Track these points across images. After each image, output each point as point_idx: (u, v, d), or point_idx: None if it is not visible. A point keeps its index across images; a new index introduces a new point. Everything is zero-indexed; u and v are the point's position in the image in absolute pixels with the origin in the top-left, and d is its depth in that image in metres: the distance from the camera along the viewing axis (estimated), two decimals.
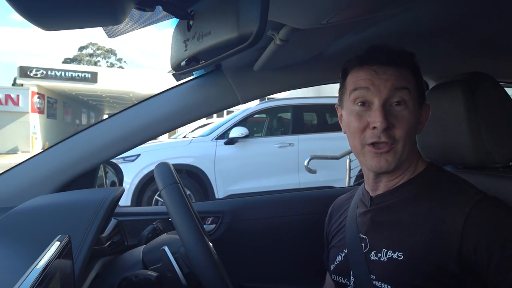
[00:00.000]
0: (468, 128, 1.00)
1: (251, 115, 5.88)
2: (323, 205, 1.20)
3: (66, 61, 45.61)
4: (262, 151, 5.61)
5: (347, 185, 4.69)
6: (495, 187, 0.94)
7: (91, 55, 49.24)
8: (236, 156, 5.53)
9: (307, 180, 5.33)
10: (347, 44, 1.11)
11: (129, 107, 1.28)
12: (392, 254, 0.84)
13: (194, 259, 0.84)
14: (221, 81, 1.28)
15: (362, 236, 0.92)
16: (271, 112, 6.17)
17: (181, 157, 5.36)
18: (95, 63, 47.11)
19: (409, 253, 0.81)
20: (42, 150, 1.34)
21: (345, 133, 0.95)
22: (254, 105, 5.99)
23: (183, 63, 0.87)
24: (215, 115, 7.85)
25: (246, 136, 5.51)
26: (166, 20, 0.90)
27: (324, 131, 5.76)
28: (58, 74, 21.82)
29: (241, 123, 5.69)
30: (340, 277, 0.96)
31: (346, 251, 0.96)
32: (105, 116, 15.17)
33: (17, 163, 1.25)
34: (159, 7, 0.77)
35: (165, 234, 1.11)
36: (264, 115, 6.26)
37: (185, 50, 0.84)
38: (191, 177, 5.35)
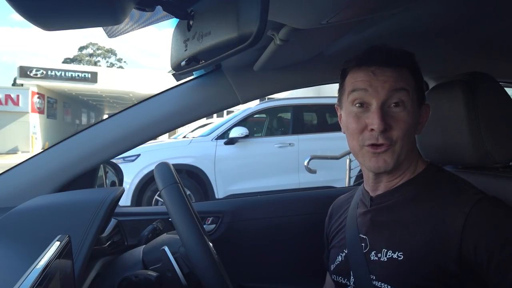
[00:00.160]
0: (468, 128, 1.00)
1: (251, 115, 5.88)
2: (323, 205, 1.20)
3: (66, 61, 45.62)
4: (262, 151, 5.61)
5: (347, 185, 4.69)
6: (495, 187, 0.94)
7: (91, 55, 49.26)
8: (236, 156, 5.53)
9: (307, 180, 5.33)
10: (347, 44, 1.11)
11: (129, 107, 1.28)
12: (392, 254, 0.84)
13: (194, 259, 0.84)
14: (221, 81, 1.28)
15: (362, 236, 0.92)
16: (271, 112, 6.17)
17: (181, 157, 5.36)
18: (95, 63, 47.12)
19: (409, 253, 0.81)
20: (42, 150, 1.34)
21: (344, 133, 0.96)
22: (254, 105, 5.99)
23: (183, 63, 0.87)
24: (215, 115, 7.85)
25: (246, 136, 5.51)
26: (166, 20, 0.90)
27: (324, 131, 5.76)
28: (58, 74, 21.82)
29: (241, 123, 5.69)
30: (340, 277, 0.96)
31: (346, 251, 0.96)
32: (105, 116, 15.17)
33: (17, 163, 1.25)
34: (159, 7, 0.77)
35: (165, 234, 1.11)
36: (264, 115, 6.26)
37: (185, 50, 0.84)
38: (191, 177, 5.35)
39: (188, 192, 5.08)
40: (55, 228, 0.88)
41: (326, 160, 4.87)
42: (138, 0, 0.68)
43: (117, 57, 51.38)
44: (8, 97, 20.39)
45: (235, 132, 5.50)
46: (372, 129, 0.84)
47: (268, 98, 6.79)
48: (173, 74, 1.37)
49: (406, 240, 0.83)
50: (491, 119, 1.01)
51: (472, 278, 0.77)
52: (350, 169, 4.68)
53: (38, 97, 21.56)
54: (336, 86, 1.02)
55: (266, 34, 0.94)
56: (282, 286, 1.49)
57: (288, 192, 2.91)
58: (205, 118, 6.12)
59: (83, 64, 41.98)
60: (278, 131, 6.27)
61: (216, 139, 5.53)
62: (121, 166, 1.54)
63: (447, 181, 0.89)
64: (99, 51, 49.77)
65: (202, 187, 5.38)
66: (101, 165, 1.39)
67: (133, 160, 5.10)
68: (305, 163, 4.53)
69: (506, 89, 1.15)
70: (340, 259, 0.98)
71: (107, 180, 1.50)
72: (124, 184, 1.47)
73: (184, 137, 6.77)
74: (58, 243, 0.60)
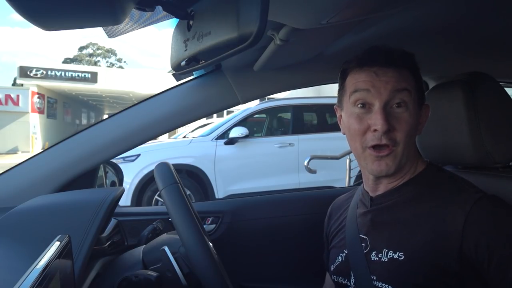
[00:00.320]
0: (468, 128, 1.00)
1: (251, 115, 5.88)
2: (323, 205, 1.20)
3: (66, 61, 45.63)
4: (262, 151, 5.61)
5: (347, 185, 4.69)
6: (495, 187, 0.94)
7: (91, 55, 49.27)
8: (236, 156, 5.53)
9: (307, 180, 5.33)
10: (347, 44, 1.11)
11: (129, 107, 1.28)
12: (393, 254, 0.84)
13: (194, 259, 0.84)
14: (221, 81, 1.28)
15: (362, 236, 0.92)
16: (271, 112, 6.17)
17: (181, 157, 5.36)
18: (95, 63, 47.13)
19: (410, 253, 0.81)
20: (42, 150, 1.34)
21: (344, 134, 0.95)
22: (254, 105, 5.99)
23: (183, 63, 0.87)
24: (215, 115, 7.85)
25: (246, 136, 5.51)
26: (166, 20, 0.90)
27: (324, 131, 5.76)
28: (58, 74, 21.83)
29: (241, 123, 5.69)
30: (340, 277, 0.96)
31: (346, 252, 0.95)
32: (105, 116, 15.17)
33: (17, 163, 1.25)
34: (159, 7, 0.77)
35: (165, 234, 1.11)
36: (264, 115, 6.26)
37: (185, 50, 0.84)
38: (191, 177, 5.35)
39: (188, 192, 5.08)
40: (55, 228, 0.88)
41: (326, 160, 4.87)
42: (138, 0, 0.68)
43: (117, 57, 51.44)
44: (8, 97, 20.39)
45: (235, 132, 5.50)
46: (375, 130, 0.84)
47: (268, 98, 6.79)
48: (173, 74, 1.37)
49: (407, 240, 0.83)
50: (491, 119, 1.01)
51: (473, 277, 0.77)
52: (350, 169, 4.68)
53: (38, 97, 21.56)
54: (336, 86, 1.02)
55: (266, 34, 0.94)
56: (282, 286, 1.49)
57: (288, 192, 2.91)
58: (205, 118, 6.12)
59: (83, 64, 41.98)
60: (278, 131, 6.27)
61: (216, 139, 5.53)
62: (121, 166, 1.54)
63: (447, 181, 0.89)
64: (99, 51, 49.79)
65: (202, 187, 5.38)
66: (101, 165, 1.39)
67: (133, 160, 5.10)
68: (305, 163, 4.54)
69: (506, 89, 1.15)
70: (340, 259, 0.97)
71: (107, 180, 1.50)
72: (124, 184, 1.47)
73: (184, 137, 6.77)
74: (58, 243, 0.60)
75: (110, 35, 0.94)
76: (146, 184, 5.11)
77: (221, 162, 5.42)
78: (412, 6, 0.86)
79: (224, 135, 5.57)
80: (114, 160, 1.46)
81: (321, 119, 6.15)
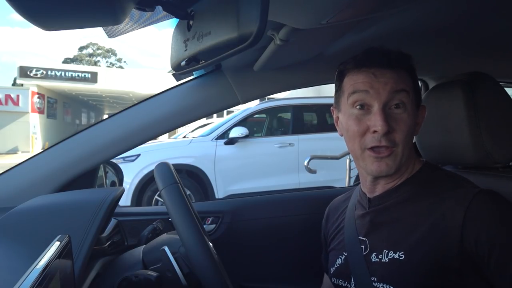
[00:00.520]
0: (468, 128, 1.00)
1: (251, 115, 5.88)
2: (323, 205, 1.20)
3: (66, 61, 45.63)
4: (262, 151, 5.61)
5: (347, 185, 4.69)
6: (495, 187, 0.94)
7: (91, 55, 49.27)
8: (236, 156, 5.53)
9: (307, 180, 5.33)
10: (347, 44, 1.11)
11: (129, 107, 1.28)
12: (393, 254, 0.84)
13: (194, 259, 0.84)
14: (221, 81, 1.28)
15: (361, 238, 0.92)
16: (271, 112, 6.17)
17: (181, 157, 5.36)
18: (95, 63, 47.14)
19: (410, 252, 0.81)
20: (42, 150, 1.34)
21: (341, 135, 0.94)
22: (254, 105, 5.99)
23: (183, 63, 0.87)
24: (215, 115, 7.85)
25: (246, 136, 5.51)
26: (166, 20, 0.90)
27: (324, 131, 5.76)
28: (58, 74, 21.83)
29: (241, 123, 5.69)
30: (340, 280, 0.96)
31: (346, 254, 0.95)
32: (105, 116, 15.17)
33: (17, 163, 1.25)
34: (159, 7, 0.77)
35: (165, 234, 1.11)
36: (264, 115, 6.26)
37: (185, 50, 0.84)
38: (191, 177, 5.35)
39: (188, 192, 5.08)
40: (55, 228, 0.88)
41: (326, 160, 4.87)
42: (138, 0, 0.68)
43: (117, 57, 51.46)
44: (8, 97, 20.39)
45: (235, 132, 5.50)
46: (374, 131, 0.84)
47: (268, 98, 6.79)
48: (173, 74, 1.37)
49: (407, 239, 0.83)
50: (491, 119, 1.01)
51: (473, 273, 0.77)
52: (350, 169, 4.68)
53: (38, 97, 21.57)
54: None
55: (266, 34, 0.94)
56: (282, 286, 1.49)
57: (288, 192, 2.91)
58: (205, 118, 6.12)
59: (83, 64, 41.99)
60: (278, 131, 6.27)
61: (216, 139, 5.53)
62: (121, 166, 1.54)
63: (444, 178, 0.89)
64: (99, 51, 49.79)
65: (202, 187, 5.38)
66: (101, 165, 1.39)
67: (133, 160, 5.10)
68: (305, 163, 4.54)
69: (506, 89, 1.15)
70: (340, 261, 0.97)
71: (107, 180, 1.50)
72: (124, 184, 1.47)
73: (184, 137, 6.77)
74: (58, 243, 0.60)
75: (110, 35, 0.94)
76: (146, 184, 5.11)
77: (221, 162, 5.42)
78: (412, 6, 0.86)
79: (224, 135, 5.57)
80: (114, 160, 1.46)
81: (321, 119, 6.15)
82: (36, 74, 21.09)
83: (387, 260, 0.84)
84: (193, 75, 1.31)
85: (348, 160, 4.66)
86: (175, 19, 0.88)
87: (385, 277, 0.84)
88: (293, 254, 1.49)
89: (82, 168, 1.21)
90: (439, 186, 0.87)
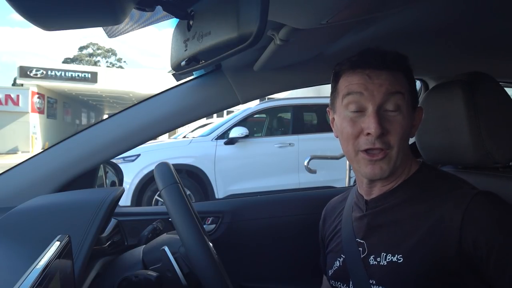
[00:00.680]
0: (468, 128, 1.00)
1: (251, 115, 5.88)
2: (323, 205, 1.20)
3: (66, 61, 45.64)
4: (262, 151, 5.61)
5: (347, 185, 4.69)
6: (495, 187, 0.94)
7: (91, 55, 49.27)
8: (236, 156, 5.53)
9: (307, 180, 5.33)
10: (346, 44, 1.11)
11: (129, 107, 1.28)
12: (392, 257, 0.83)
13: (194, 259, 0.84)
14: (221, 81, 1.28)
15: (359, 240, 0.91)
16: (271, 112, 6.17)
17: (181, 157, 5.36)
18: (95, 63, 47.14)
19: (409, 255, 0.81)
20: (42, 150, 1.34)
21: (337, 137, 0.94)
22: (254, 105, 5.99)
23: (183, 63, 0.87)
24: (215, 115, 7.85)
25: (246, 136, 5.51)
26: (166, 20, 0.90)
27: (324, 131, 5.76)
28: (58, 74, 21.83)
29: (241, 123, 5.68)
30: (339, 283, 0.95)
31: (343, 257, 0.95)
32: (105, 116, 15.18)
33: (17, 163, 1.25)
34: (159, 7, 0.77)
35: (165, 234, 1.11)
36: (264, 115, 6.26)
37: (185, 50, 0.84)
38: (191, 177, 5.35)
39: (188, 192, 5.08)
40: (55, 228, 0.88)
41: (326, 160, 4.87)
42: (138, 0, 0.68)
43: (117, 57, 51.46)
44: (8, 97, 20.39)
45: (235, 132, 5.50)
46: (368, 134, 0.83)
47: (268, 98, 6.79)
48: (173, 74, 1.37)
49: (405, 242, 0.83)
50: (491, 119, 1.01)
51: (472, 275, 0.77)
52: (350, 169, 4.68)
53: (38, 97, 21.57)
54: None
55: (266, 34, 0.94)
56: (282, 286, 1.49)
57: (288, 192, 2.91)
58: (205, 118, 6.12)
59: (83, 64, 41.99)
60: (278, 131, 6.27)
61: (216, 139, 5.53)
62: (121, 166, 1.54)
63: (441, 180, 0.89)
64: (99, 51, 49.79)
65: (202, 187, 5.38)
66: (101, 165, 1.39)
67: (133, 160, 5.10)
68: (305, 163, 4.53)
69: (506, 89, 1.15)
70: (338, 264, 0.97)
71: (107, 180, 1.50)
72: (124, 184, 1.47)
73: (184, 137, 6.77)
74: (58, 243, 0.60)
75: (110, 35, 0.94)
76: (146, 184, 5.11)
77: (221, 162, 5.42)
78: (412, 6, 0.86)
79: (224, 135, 5.57)
80: (114, 160, 1.46)
81: (321, 119, 6.15)
82: (36, 74, 21.09)
83: (386, 263, 0.84)
84: (193, 75, 1.31)
85: (348, 160, 4.64)
86: (175, 19, 0.88)
87: (384, 280, 0.83)
88: (293, 254, 1.49)
89: (82, 168, 1.21)
90: (437, 188, 0.86)
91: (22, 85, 21.99)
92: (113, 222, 1.28)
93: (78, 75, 22.19)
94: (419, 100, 0.97)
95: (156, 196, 5.06)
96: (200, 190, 5.36)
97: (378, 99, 0.83)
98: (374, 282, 0.85)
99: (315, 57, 1.22)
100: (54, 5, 0.55)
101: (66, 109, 27.55)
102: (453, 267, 0.77)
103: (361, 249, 0.90)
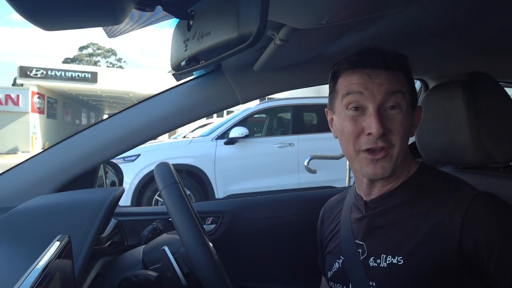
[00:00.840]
0: (468, 128, 1.00)
1: (251, 115, 5.88)
2: (322, 205, 1.20)
3: (66, 61, 45.64)
4: (262, 151, 5.61)
5: (347, 185, 4.69)
6: (495, 187, 0.94)
7: (91, 55, 49.28)
8: (236, 156, 5.53)
9: (307, 180, 5.33)
10: (347, 44, 1.11)
11: (129, 107, 1.28)
12: (392, 259, 0.83)
13: (194, 259, 0.84)
14: (221, 81, 1.28)
15: (358, 242, 0.91)
16: (271, 112, 6.17)
17: (181, 157, 5.36)
18: (95, 63, 47.15)
19: (409, 257, 0.81)
20: (42, 150, 1.34)
21: (336, 137, 0.93)
22: (254, 105, 5.99)
23: (183, 63, 0.87)
24: (215, 115, 7.85)
25: (246, 136, 5.51)
26: (166, 20, 0.90)
27: (324, 131, 5.75)
28: (58, 74, 21.83)
29: (241, 123, 5.69)
30: (338, 284, 0.95)
31: (343, 258, 0.94)
32: (105, 116, 15.18)
33: (17, 163, 1.26)
34: (159, 7, 0.77)
35: (165, 234, 1.11)
36: (264, 115, 6.26)
37: (185, 50, 0.84)
38: (191, 177, 5.35)
39: (188, 192, 5.08)
40: (55, 228, 0.88)
41: (326, 160, 4.86)
42: (138, 0, 0.68)
43: (117, 57, 51.45)
44: (8, 97, 20.39)
45: (235, 132, 5.50)
46: (369, 133, 0.83)
47: (268, 98, 6.79)
48: (173, 74, 1.37)
49: (405, 244, 0.82)
50: (491, 119, 1.01)
51: (473, 276, 0.77)
52: (350, 169, 4.68)
53: (38, 97, 21.57)
54: None
55: (266, 34, 0.94)
56: (282, 286, 1.49)
57: (288, 192, 2.91)
58: (205, 118, 6.12)
59: (83, 64, 41.99)
60: (278, 131, 6.27)
61: (216, 139, 5.53)
62: (121, 166, 1.54)
63: (441, 181, 0.88)
64: (99, 51, 49.80)
65: (202, 187, 5.38)
66: (101, 165, 1.39)
67: (133, 160, 5.10)
68: (305, 163, 4.53)
69: (506, 89, 1.15)
70: (337, 265, 0.96)
71: (107, 180, 1.50)
72: (124, 184, 1.47)
73: (184, 137, 6.77)
74: (58, 243, 0.60)
75: (110, 35, 0.94)
76: (146, 184, 5.11)
77: (221, 162, 5.42)
78: (412, 6, 0.86)
79: (224, 135, 5.57)
80: (114, 160, 1.46)
81: (321, 119, 6.14)
82: (36, 74, 21.09)
83: (386, 265, 0.83)
84: (193, 75, 1.31)
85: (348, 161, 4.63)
86: (175, 19, 0.88)
87: (384, 281, 0.83)
88: (293, 253, 1.49)
89: (82, 168, 1.21)
90: (437, 189, 0.86)
91: (22, 85, 21.99)
92: (113, 222, 1.28)
93: (78, 75, 22.19)
94: (419, 100, 0.97)
95: (156, 196, 5.06)
96: (200, 190, 5.36)
97: (378, 98, 0.83)
98: (374, 284, 0.84)
99: (315, 57, 1.22)
100: (54, 5, 0.55)
101: (66, 109, 27.55)
102: (453, 268, 0.77)
103: (360, 250, 0.90)
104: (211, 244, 0.94)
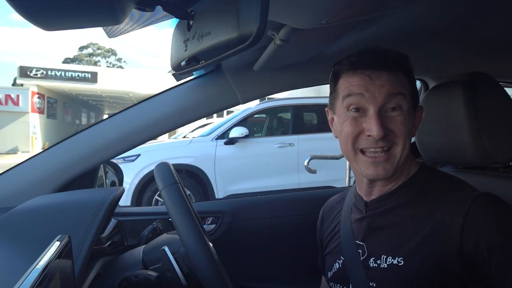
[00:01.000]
0: (468, 128, 1.00)
1: (251, 115, 5.88)
2: (322, 205, 1.20)
3: (66, 61, 45.64)
4: (262, 151, 5.61)
5: (347, 185, 4.69)
6: (495, 187, 0.94)
7: (91, 55, 49.28)
8: (236, 156, 5.53)
9: (307, 180, 5.33)
10: (347, 44, 1.11)
11: (129, 107, 1.28)
12: (392, 260, 0.83)
13: (194, 259, 0.84)
14: (221, 81, 1.28)
15: (358, 242, 0.91)
16: (271, 112, 6.17)
17: (181, 157, 5.36)
18: (95, 63, 47.15)
19: (410, 258, 0.81)
20: (42, 150, 1.34)
21: (336, 137, 0.93)
22: (254, 105, 5.99)
23: (183, 63, 0.87)
24: (215, 115, 7.85)
25: (246, 136, 5.51)
26: (166, 20, 0.90)
27: (324, 131, 5.75)
28: (58, 74, 21.83)
29: (241, 123, 5.69)
30: (338, 285, 0.95)
31: (343, 259, 0.94)
32: (105, 116, 15.18)
33: (17, 163, 1.26)
34: (159, 7, 0.77)
35: (165, 234, 1.11)
36: (264, 115, 6.26)
37: (185, 50, 0.84)
38: (191, 177, 5.35)
39: (188, 192, 5.08)
40: (55, 228, 0.88)
41: (326, 160, 4.87)
42: (138, 0, 0.68)
43: (117, 57, 51.45)
44: (8, 97, 20.39)
45: (235, 132, 5.50)
46: (369, 135, 0.83)
47: (268, 98, 6.79)
48: (173, 74, 1.37)
49: (406, 245, 0.82)
50: (491, 119, 1.01)
51: (473, 277, 0.77)
52: (350, 169, 4.68)
53: (38, 97, 21.57)
54: None
55: (266, 34, 0.94)
56: (282, 286, 1.49)
57: (288, 192, 2.91)
58: (205, 118, 6.12)
59: (83, 64, 42.00)
60: (278, 131, 6.27)
61: (216, 139, 5.54)
62: (121, 166, 1.54)
63: (441, 181, 0.88)
64: (99, 51, 49.80)
65: (202, 187, 5.38)
66: (101, 165, 1.39)
67: (133, 160, 5.11)
68: (305, 163, 4.53)
69: (506, 89, 1.15)
70: (338, 266, 0.96)
71: (107, 180, 1.50)
72: (124, 184, 1.47)
73: (184, 137, 6.77)
74: (58, 243, 0.60)
75: (110, 35, 0.94)
76: (146, 184, 5.11)
77: (221, 162, 5.42)
78: (412, 6, 0.86)
79: (224, 135, 5.57)
80: (114, 160, 1.47)
81: (321, 119, 6.14)
82: (36, 74, 21.09)
83: (386, 266, 0.83)
84: (193, 75, 1.31)
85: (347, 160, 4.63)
86: (175, 19, 0.88)
87: (384, 282, 0.83)
88: (293, 253, 1.49)
89: (82, 168, 1.21)
90: (437, 189, 0.85)
91: (22, 85, 21.99)
92: (113, 222, 1.28)
93: (78, 75, 22.19)
94: (419, 100, 0.97)
95: (156, 196, 5.06)
96: (200, 190, 5.36)
97: (379, 100, 0.82)
98: (374, 284, 0.84)
99: (315, 57, 1.22)
100: (54, 5, 0.55)
101: (66, 109, 27.55)
102: (454, 269, 0.77)
103: (360, 251, 0.89)
104: (211, 244, 0.94)
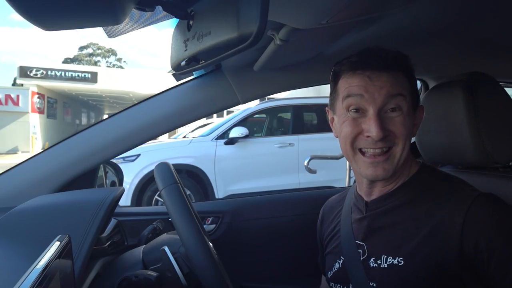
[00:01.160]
0: (468, 128, 1.00)
1: (251, 115, 5.88)
2: (322, 205, 1.20)
3: (66, 61, 45.65)
4: (262, 151, 5.61)
5: (347, 185, 4.69)
6: (495, 187, 0.94)
7: (91, 55, 49.28)
8: (236, 156, 5.53)
9: (307, 180, 5.33)
10: (347, 44, 1.11)
11: (129, 107, 1.28)
12: (393, 260, 0.83)
13: (194, 259, 0.84)
14: (221, 81, 1.28)
15: (359, 242, 0.91)
16: (271, 112, 6.17)
17: (181, 157, 5.36)
18: (95, 63, 47.15)
19: (410, 258, 0.81)
20: (42, 150, 1.34)
21: (337, 137, 0.93)
22: (254, 105, 5.99)
23: (183, 63, 0.87)
24: (215, 115, 7.85)
25: (246, 136, 5.52)
26: (166, 20, 0.90)
27: (324, 131, 5.75)
28: (58, 74, 21.83)
29: (241, 123, 5.69)
30: (338, 285, 0.95)
31: (343, 259, 0.94)
32: (105, 116, 15.17)
33: (17, 163, 1.26)
34: (159, 7, 0.77)
35: (165, 234, 1.11)
36: (264, 115, 6.26)
37: (185, 50, 0.84)
38: (191, 177, 5.35)
39: (188, 192, 5.08)
40: (55, 228, 0.88)
41: (326, 160, 4.87)
42: (138, 0, 0.68)
43: (117, 57, 51.45)
44: (8, 97, 20.39)
45: (235, 132, 5.50)
46: (368, 136, 0.83)
47: (268, 98, 6.79)
48: (173, 74, 1.37)
49: (406, 245, 0.82)
50: (491, 119, 1.01)
51: (473, 277, 0.77)
52: (350, 169, 4.68)
53: (38, 97, 21.56)
54: None
55: (266, 34, 0.94)
56: (282, 286, 1.49)
57: (288, 192, 2.91)
58: (205, 118, 6.12)
59: (83, 64, 42.00)
60: (278, 131, 6.27)
61: (216, 139, 5.54)
62: (121, 166, 1.54)
63: (441, 181, 0.88)
64: (99, 51, 49.80)
65: (202, 187, 5.38)
66: (101, 165, 1.39)
67: (133, 160, 5.11)
68: (305, 163, 4.53)
69: (506, 89, 1.15)
70: (338, 266, 0.96)
71: (107, 180, 1.50)
72: (124, 184, 1.47)
73: (184, 137, 6.77)
74: (58, 243, 0.60)
75: (110, 35, 0.94)
76: (146, 184, 5.11)
77: (221, 162, 5.42)
78: (412, 6, 0.86)
79: (224, 135, 5.57)
80: (114, 160, 1.47)
81: (321, 119, 6.14)
82: (36, 74, 21.09)
83: (386, 266, 0.83)
84: (193, 75, 1.31)
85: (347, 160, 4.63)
86: (175, 19, 0.88)
87: (384, 282, 0.83)
88: (293, 253, 1.49)
89: (82, 168, 1.21)
90: (437, 189, 0.85)
91: (22, 85, 21.99)
92: (113, 222, 1.28)
93: (78, 75, 22.18)
94: (419, 100, 0.97)
95: (156, 196, 5.06)
96: (200, 190, 5.36)
97: (379, 101, 0.82)
98: (374, 284, 0.84)
99: (315, 57, 1.22)
100: (54, 5, 0.55)
101: (66, 109, 27.55)
102: (454, 269, 0.77)
103: (360, 251, 0.89)
104: (211, 244, 0.94)
